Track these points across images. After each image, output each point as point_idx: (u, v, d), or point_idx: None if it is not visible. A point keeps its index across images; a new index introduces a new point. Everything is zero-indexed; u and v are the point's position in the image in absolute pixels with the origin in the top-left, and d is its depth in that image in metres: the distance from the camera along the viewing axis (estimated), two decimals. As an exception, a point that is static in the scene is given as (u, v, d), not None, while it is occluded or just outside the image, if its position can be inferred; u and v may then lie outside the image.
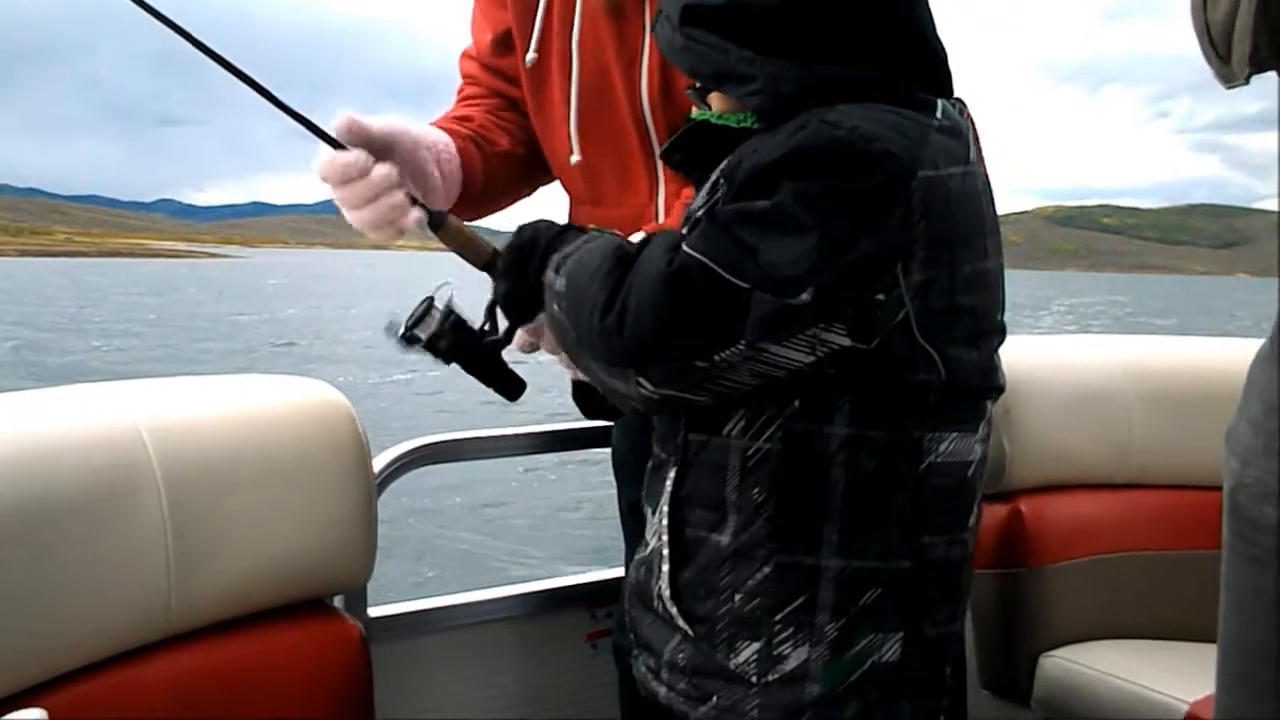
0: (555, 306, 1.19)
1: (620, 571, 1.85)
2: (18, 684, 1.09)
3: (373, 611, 1.62)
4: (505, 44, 1.68)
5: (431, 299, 1.29)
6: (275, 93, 1.33)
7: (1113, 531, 1.95)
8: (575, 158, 1.61)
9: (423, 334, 1.26)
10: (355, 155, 1.31)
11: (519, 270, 1.26)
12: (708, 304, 1.05)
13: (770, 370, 1.07)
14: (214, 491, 1.30)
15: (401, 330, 1.28)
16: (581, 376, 1.25)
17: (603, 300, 1.10)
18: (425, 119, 1.64)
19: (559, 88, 1.62)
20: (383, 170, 1.32)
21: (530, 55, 1.62)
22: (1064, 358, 2.13)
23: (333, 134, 1.32)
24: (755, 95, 1.14)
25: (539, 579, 1.97)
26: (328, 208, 1.45)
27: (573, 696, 1.88)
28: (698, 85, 1.24)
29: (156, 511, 1.23)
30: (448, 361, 1.28)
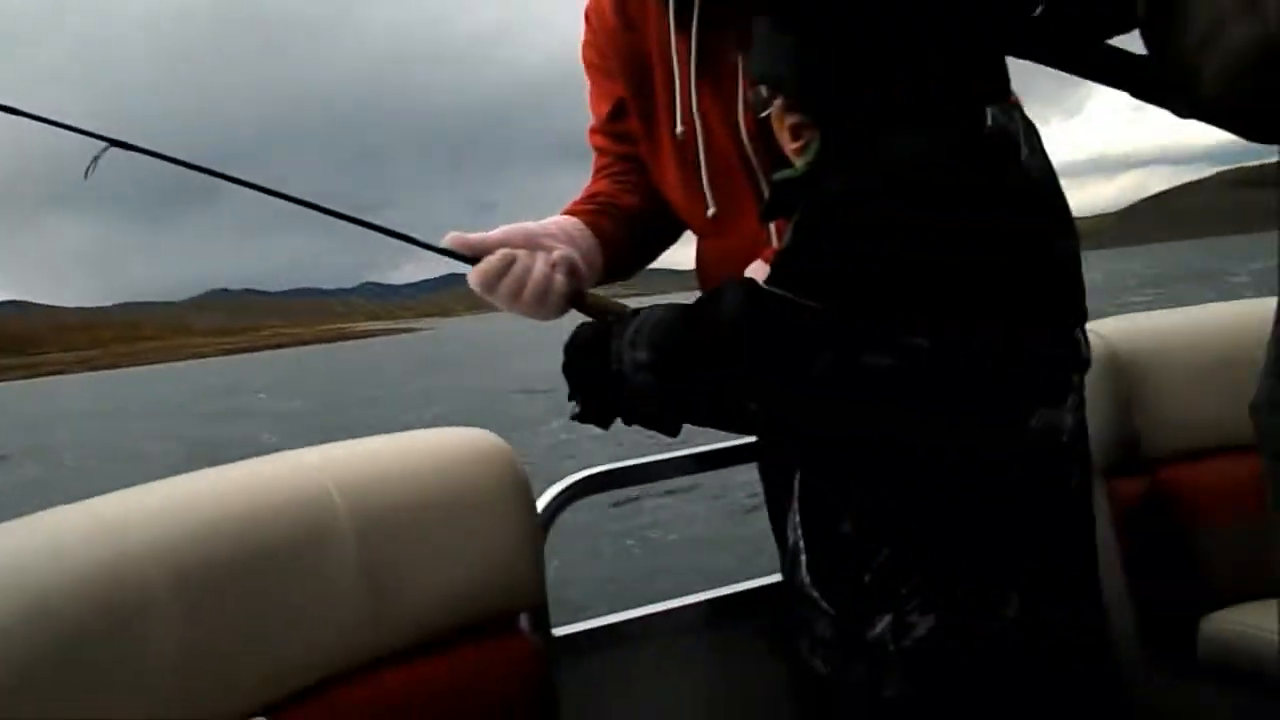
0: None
1: None
2: (246, 707, 1.28)
3: (557, 631, 1.72)
4: (621, 111, 1.81)
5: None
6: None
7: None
8: (711, 210, 1.72)
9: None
10: (499, 255, 1.51)
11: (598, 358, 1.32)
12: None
13: None
14: (395, 536, 1.48)
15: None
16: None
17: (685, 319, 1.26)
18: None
19: (667, 141, 1.74)
20: (520, 261, 1.53)
21: (680, 128, 1.71)
22: (1198, 326, 2.14)
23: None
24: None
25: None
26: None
27: (763, 701, 1.84)
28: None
29: (350, 555, 1.42)
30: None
